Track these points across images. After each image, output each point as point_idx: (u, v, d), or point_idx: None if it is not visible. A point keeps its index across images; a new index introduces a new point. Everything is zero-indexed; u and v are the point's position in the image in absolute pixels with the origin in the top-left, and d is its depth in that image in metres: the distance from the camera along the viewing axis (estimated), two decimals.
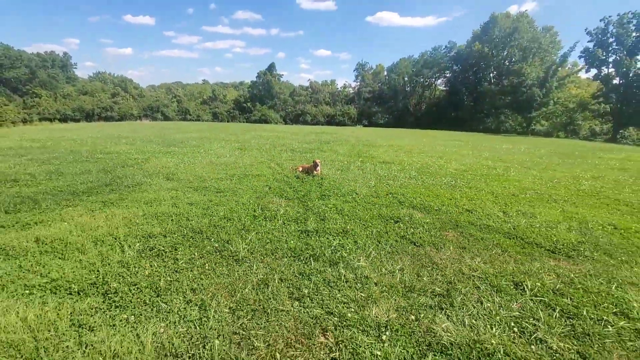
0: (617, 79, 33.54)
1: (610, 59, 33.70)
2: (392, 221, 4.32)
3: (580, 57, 35.18)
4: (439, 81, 52.63)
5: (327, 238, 3.67)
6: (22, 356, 1.84)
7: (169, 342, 1.99)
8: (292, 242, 3.53)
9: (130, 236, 3.53)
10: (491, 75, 46.01)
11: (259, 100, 50.12)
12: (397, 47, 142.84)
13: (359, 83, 56.62)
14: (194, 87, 69.76)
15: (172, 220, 4.06)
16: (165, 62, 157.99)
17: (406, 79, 51.99)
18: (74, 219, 3.96)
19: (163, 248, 3.28)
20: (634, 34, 32.51)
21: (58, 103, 44.70)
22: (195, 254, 3.18)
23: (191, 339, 2.03)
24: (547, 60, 39.57)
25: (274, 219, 4.25)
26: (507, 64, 41.53)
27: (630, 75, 32.77)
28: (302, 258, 3.18)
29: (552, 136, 39.86)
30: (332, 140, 15.90)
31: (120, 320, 2.16)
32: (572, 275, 3.01)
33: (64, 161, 7.95)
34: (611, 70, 33.88)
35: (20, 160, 7.92)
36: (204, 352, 1.92)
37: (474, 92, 45.84)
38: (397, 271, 2.97)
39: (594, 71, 35.10)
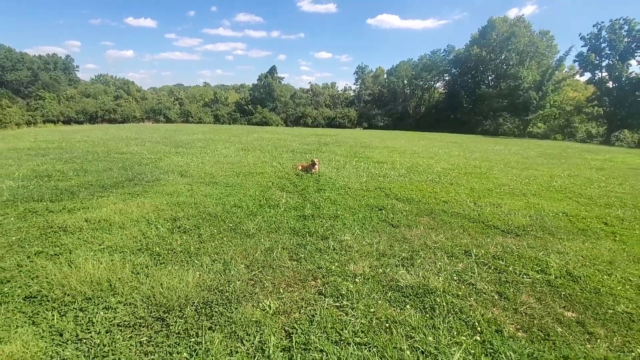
0: (611, 83, 34.43)
1: (604, 64, 34.62)
2: (376, 209, 5.14)
3: (575, 61, 36.14)
4: (438, 84, 53.59)
5: (321, 221, 4.49)
6: (101, 290, 2.65)
7: (203, 282, 2.81)
8: (292, 223, 4.36)
9: (160, 218, 4.36)
10: (489, 78, 46.95)
11: (260, 103, 51.07)
12: (397, 50, 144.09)
13: (358, 86, 57.64)
14: (195, 90, 70.81)
15: (191, 207, 4.88)
16: (166, 64, 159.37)
17: (405, 82, 52.93)
18: (110, 206, 4.79)
19: (188, 227, 4.10)
20: (625, 40, 33.44)
21: (62, 105, 45.67)
22: (215, 231, 4.00)
23: (219, 281, 2.85)
24: (544, 64, 40.46)
25: (276, 207, 5.07)
26: (505, 67, 42.42)
27: (623, 79, 33.67)
28: (299, 234, 4.00)
29: (550, 138, 40.65)
30: (331, 142, 16.74)
31: (168, 271, 2.98)
32: (513, 247, 3.83)
33: (85, 160, 8.79)
34: (605, 74, 34.79)
35: (45, 160, 8.76)
36: (228, 288, 2.74)
37: (472, 95, 46.72)
38: (374, 243, 3.79)
39: (588, 75, 36.05)
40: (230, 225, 4.21)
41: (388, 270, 3.15)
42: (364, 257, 3.42)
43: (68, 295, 2.56)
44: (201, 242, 3.65)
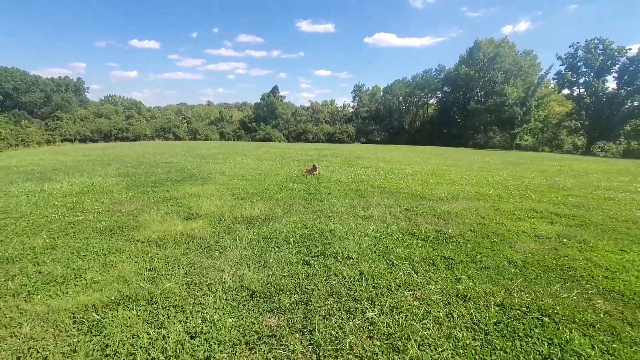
0: (588, 98, 38.04)
1: (581, 80, 38.37)
2: (355, 190, 8.28)
3: (553, 79, 39.92)
4: (432, 100, 57.53)
5: (319, 195, 7.62)
6: (221, 212, 5.75)
7: (263, 212, 5.93)
8: (302, 195, 7.50)
9: (224, 194, 7.50)
10: (479, 94, 50.82)
11: (263, 120, 54.94)
12: (395, 67, 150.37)
13: (356, 103, 61.73)
14: (200, 109, 75.16)
15: (239, 189, 8.03)
16: (170, 83, 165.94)
17: (400, 99, 56.93)
18: (192, 189, 7.94)
19: (243, 198, 7.23)
20: (600, 58, 37.30)
21: (77, 125, 49.52)
22: (258, 199, 7.14)
23: (270, 212, 5.96)
24: (528, 82, 44.33)
25: (291, 190, 8.21)
26: (491, 85, 46.28)
27: (600, 94, 37.31)
28: (307, 200, 7.13)
29: (538, 150, 44.00)
30: (330, 154, 20.01)
31: (245, 208, 6.10)
32: (427, 204, 6.94)
33: (146, 167, 12.00)
34: (582, 90, 38.47)
35: (117, 166, 11.97)
36: (274, 214, 5.85)
37: (463, 111, 50.49)
38: (348, 202, 6.91)
39: (567, 91, 39.74)
40: (265, 196, 7.35)
41: (353, 210, 6.27)
42: (342, 206, 6.54)
43: (205, 215, 5.68)
44: (255, 202, 6.78)
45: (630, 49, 36.31)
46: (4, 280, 3.29)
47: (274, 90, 59.34)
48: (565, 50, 39.08)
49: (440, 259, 4.01)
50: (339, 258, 3.98)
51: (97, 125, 49.28)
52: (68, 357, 2.25)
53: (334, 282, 3.37)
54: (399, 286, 3.32)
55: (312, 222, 5.47)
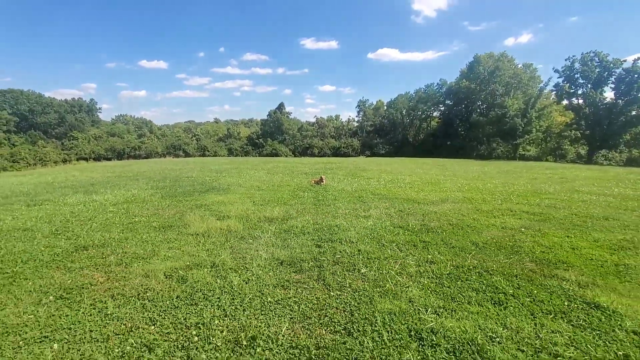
0: (587, 109, 39.22)
1: (579, 92, 39.66)
2: (357, 197, 9.62)
3: (552, 91, 41.27)
4: (435, 113, 59.13)
5: (326, 201, 8.98)
6: (246, 214, 7.14)
7: (281, 213, 7.29)
8: (311, 201, 8.87)
9: (245, 201, 8.91)
10: (481, 107, 52.25)
11: (270, 136, 56.93)
12: (398, 81, 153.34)
13: (361, 117, 63.60)
14: (208, 126, 77.82)
15: (257, 198, 9.43)
16: (177, 102, 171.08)
17: (404, 112, 58.66)
18: (216, 197, 9.36)
19: (262, 204, 8.62)
20: (597, 70, 38.67)
21: (91, 144, 51.94)
22: (276, 204, 8.52)
23: (286, 214, 7.32)
24: (528, 94, 45.72)
25: (302, 197, 9.58)
26: (492, 98, 47.76)
27: (598, 104, 38.49)
28: (316, 205, 8.48)
29: (542, 160, 44.95)
30: (335, 167, 21.44)
31: (265, 210, 7.48)
32: (418, 205, 8.24)
33: (170, 180, 13.52)
34: (581, 101, 39.71)
35: (146, 181, 13.50)
36: (290, 215, 7.22)
37: (466, 123, 51.86)
38: (352, 207, 8.26)
39: (567, 102, 41.02)
40: (281, 202, 8.73)
41: (355, 212, 7.60)
42: (346, 209, 7.88)
43: (234, 216, 7.07)
44: (272, 207, 8.16)
45: (625, 61, 37.67)
46: (105, 257, 4.68)
47: (280, 106, 61.63)
48: (565, 62, 40.58)
49: (420, 242, 5.32)
50: (342, 242, 5.31)
51: (110, 144, 51.64)
52: (168, 294, 3.60)
53: (339, 256, 4.70)
54: (386, 258, 4.63)
55: (322, 220, 6.82)
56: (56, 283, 3.84)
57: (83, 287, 3.72)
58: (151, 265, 4.35)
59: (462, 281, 3.82)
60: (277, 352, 2.58)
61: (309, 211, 7.65)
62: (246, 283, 3.81)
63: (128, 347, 2.65)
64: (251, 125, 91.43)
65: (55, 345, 2.68)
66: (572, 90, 39.62)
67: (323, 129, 62.14)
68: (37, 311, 3.22)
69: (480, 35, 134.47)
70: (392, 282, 3.77)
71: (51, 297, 3.49)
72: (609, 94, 39.06)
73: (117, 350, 2.61)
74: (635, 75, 36.79)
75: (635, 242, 5.30)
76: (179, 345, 2.67)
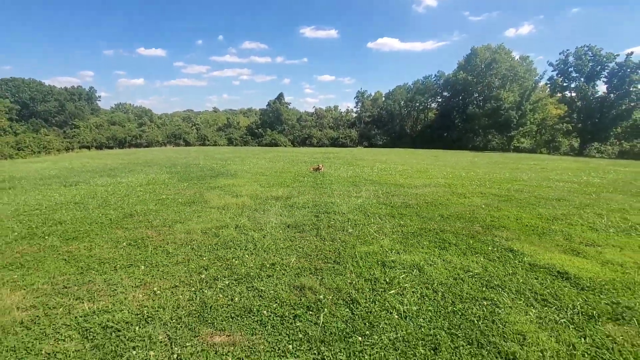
0: (580, 102, 40.47)
1: (572, 85, 40.84)
2: (351, 182, 11.00)
3: (546, 84, 42.39)
4: (432, 105, 60.17)
5: (324, 184, 10.36)
6: (270, 190, 8.51)
7: (285, 192, 8.67)
8: (310, 184, 10.24)
9: (253, 184, 10.27)
10: (478, 99, 53.33)
11: (270, 126, 57.98)
12: (398, 71, 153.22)
13: (359, 108, 64.61)
14: (207, 115, 78.56)
15: (263, 181, 10.79)
16: (175, 90, 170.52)
17: (402, 104, 59.69)
18: (227, 181, 10.71)
19: (268, 186, 9.98)
20: (590, 64, 39.77)
21: (93, 132, 52.94)
22: (280, 186, 9.89)
23: (289, 193, 8.70)
24: (524, 86, 46.82)
25: (302, 181, 10.95)
26: (488, 90, 48.85)
27: (590, 98, 39.72)
28: (314, 187, 9.86)
29: (536, 152, 46.35)
30: (333, 157, 22.78)
31: (268, 191, 8.85)
32: (402, 188, 9.63)
33: (181, 167, 14.84)
34: (574, 94, 40.92)
35: (161, 167, 14.82)
36: (293, 194, 8.60)
37: (463, 115, 52.98)
38: (346, 189, 9.64)
39: (560, 95, 42.23)
40: (284, 185, 10.10)
41: (348, 193, 8.99)
42: (340, 191, 9.26)
43: (246, 195, 8.44)
44: (277, 188, 9.52)
45: (618, 55, 38.75)
46: (150, 222, 6.06)
47: (280, 97, 62.51)
48: (559, 56, 41.59)
49: (397, 214, 6.72)
50: (335, 213, 6.70)
51: (112, 132, 52.65)
52: (208, 243, 4.98)
53: (332, 222, 6.09)
54: (368, 223, 6.03)
55: (319, 198, 8.21)
56: (121, 236, 5.23)
57: (143, 239, 5.11)
58: (189, 226, 5.74)
59: (421, 237, 5.23)
60: (289, 271, 3.98)
61: (309, 192, 9.03)
62: (263, 237, 5.21)
63: (191, 267, 4.05)
64: (250, 114, 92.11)
65: (142, 267, 4.07)
66: (565, 84, 40.80)
67: (322, 120, 63.19)
68: (117, 252, 4.61)
69: (481, 26, 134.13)
70: (370, 237, 5.18)
71: (124, 244, 4.88)
72: (601, 88, 40.31)
73: (183, 270, 4.01)
74: (628, 70, 37.96)
75: (569, 215, 6.72)
76: (225, 266, 4.07)
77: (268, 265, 4.11)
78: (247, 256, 4.41)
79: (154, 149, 40.45)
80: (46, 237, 5.16)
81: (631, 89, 37.90)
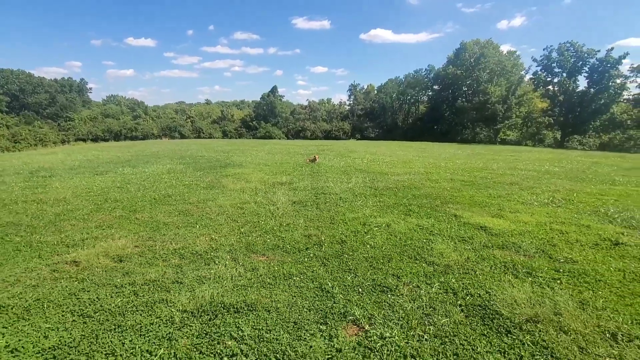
0: (561, 96, 42.84)
1: (555, 80, 43.16)
2: (343, 171, 12.89)
3: (530, 79, 44.65)
4: (424, 98, 62.23)
5: (320, 173, 12.23)
6: (263, 180, 10.34)
7: (287, 180, 10.52)
8: (308, 172, 12.11)
9: (259, 173, 12.09)
10: (467, 93, 55.50)
11: (264, 119, 59.47)
12: (392, 63, 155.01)
13: (352, 101, 66.38)
14: (201, 108, 79.50)
15: (267, 170, 12.61)
16: (166, 82, 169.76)
17: (394, 97, 61.62)
18: (236, 170, 12.50)
19: (272, 174, 11.81)
20: (572, 60, 42.06)
21: (88, 125, 53.81)
22: (282, 174, 11.73)
23: (291, 178, 10.56)
24: (511, 81, 49.07)
25: (301, 170, 12.79)
26: (477, 84, 50.99)
27: (571, 93, 42.11)
28: (311, 175, 11.73)
29: (521, 144, 48.79)
30: (327, 149, 24.63)
31: (277, 176, 10.70)
32: (384, 176, 11.56)
33: (190, 159, 16.54)
34: (556, 89, 43.26)
35: (168, 159, 16.50)
36: (295, 180, 10.46)
37: (452, 108, 55.19)
38: (339, 176, 11.53)
39: (543, 90, 44.55)
40: (285, 173, 11.93)
41: (340, 179, 10.88)
42: (333, 178, 11.15)
43: (255, 181, 10.28)
44: (280, 176, 11.36)
45: (599, 51, 41.11)
46: (186, 200, 7.87)
47: (274, 89, 63.90)
48: (543, 52, 43.81)
49: (379, 194, 8.63)
50: (330, 194, 8.58)
51: (107, 125, 53.60)
52: (238, 212, 6.82)
53: (328, 199, 7.98)
54: (356, 200, 7.93)
55: (316, 183, 10.08)
56: (169, 209, 7.05)
57: (187, 211, 6.93)
58: (218, 202, 7.58)
59: (394, 208, 7.16)
60: (300, 228, 5.85)
61: (307, 179, 10.90)
62: (277, 209, 7.08)
63: (231, 226, 5.92)
64: (243, 107, 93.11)
65: (197, 226, 5.91)
66: (548, 79, 43.09)
67: (315, 113, 64.83)
68: (173, 218, 6.43)
69: (474, 17, 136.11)
70: (356, 208, 7.10)
71: (175, 213, 6.71)
72: (583, 83, 42.71)
73: (226, 228, 5.85)
74: (608, 65, 40.35)
75: (511, 194, 8.72)
76: (254, 225, 5.95)
77: (284, 225, 5.99)
78: (268, 220, 6.29)
79: (150, 142, 41.76)
80: (113, 210, 6.96)
81: (610, 83, 40.29)
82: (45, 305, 3.33)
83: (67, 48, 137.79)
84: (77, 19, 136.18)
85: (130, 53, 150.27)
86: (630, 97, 40.48)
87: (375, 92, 64.13)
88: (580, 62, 42.10)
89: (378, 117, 61.40)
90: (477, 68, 50.45)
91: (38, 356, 2.61)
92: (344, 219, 6.37)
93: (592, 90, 41.28)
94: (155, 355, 2.61)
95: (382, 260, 4.46)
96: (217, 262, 4.41)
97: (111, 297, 3.50)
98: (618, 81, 39.81)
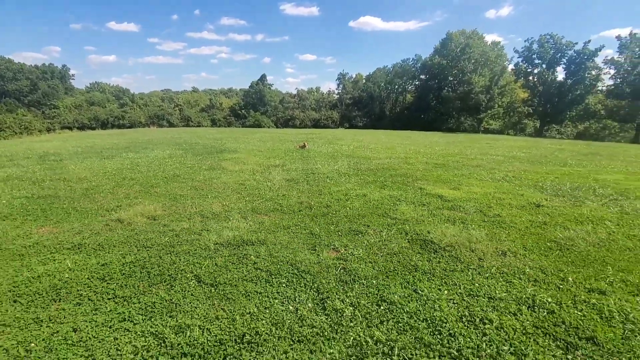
0: (540, 87, 44.96)
1: (535, 71, 45.17)
2: (331, 156, 14.29)
3: (512, 69, 46.57)
4: (411, 87, 63.73)
5: (309, 158, 13.61)
6: (260, 163, 11.66)
7: (280, 163, 11.88)
8: (298, 157, 13.48)
9: (253, 158, 13.39)
10: (453, 82, 57.18)
11: (253, 107, 60.08)
12: (381, 51, 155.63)
13: (340, 90, 67.45)
14: (189, 95, 79.22)
15: (261, 155, 13.91)
16: (150, 68, 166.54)
17: (382, 86, 62.93)
18: (231, 155, 13.77)
19: (266, 158, 13.13)
20: (551, 51, 44.06)
21: (73, 113, 53.52)
22: (275, 159, 13.06)
23: (282, 162, 11.92)
24: (495, 71, 50.90)
25: (292, 155, 14.14)
26: (461, 74, 52.68)
27: (550, 83, 44.23)
28: (302, 160, 13.09)
29: (504, 133, 50.99)
30: (316, 137, 25.95)
31: (271, 160, 12.04)
32: (368, 160, 13.02)
33: (186, 145, 17.66)
34: (536, 80, 45.33)
35: (165, 146, 17.57)
36: (286, 163, 11.83)
37: (438, 98, 56.83)
38: (327, 160, 12.93)
39: (524, 80, 46.57)
40: (278, 158, 13.27)
41: (328, 163, 12.29)
42: (322, 162, 12.55)
43: (252, 164, 11.59)
44: (273, 160, 12.69)
45: (577, 43, 43.16)
46: (193, 179, 9.15)
47: (262, 78, 64.33)
48: (524, 44, 45.69)
49: (361, 174, 10.09)
50: (318, 174, 9.99)
51: (93, 113, 53.41)
52: (240, 187, 8.18)
53: (317, 178, 9.39)
54: (340, 178, 9.36)
55: (306, 166, 11.47)
56: (181, 185, 8.35)
57: (196, 187, 8.25)
58: (222, 180, 8.91)
59: (372, 184, 8.64)
60: (294, 197, 7.26)
61: (298, 162, 12.28)
62: (274, 185, 8.46)
63: (238, 196, 7.28)
64: (231, 95, 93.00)
65: (209, 196, 7.26)
66: (529, 70, 45.06)
67: (304, 101, 65.71)
68: (187, 191, 7.75)
69: (463, 6, 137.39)
70: (340, 184, 8.54)
71: (187, 188, 8.02)
72: (560, 74, 44.86)
73: (234, 198, 7.21)
74: (584, 57, 42.49)
75: (472, 174, 10.30)
76: (256, 195, 7.33)
77: (281, 195, 7.40)
78: (267, 192, 7.68)
79: (140, 130, 42.21)
80: (132, 186, 8.22)
81: (586, 75, 42.49)
82: (113, 244, 4.68)
83: (44, 32, 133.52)
84: (54, 1, 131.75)
85: (112, 38, 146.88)
86: (604, 88, 42.83)
87: (364, 81, 65.31)
88: (559, 54, 44.16)
89: (366, 106, 62.73)
90: (462, 58, 52.03)
91: (123, 266, 3.98)
92: (330, 191, 7.81)
93: (569, 81, 43.46)
94: (202, 265, 4.01)
95: (357, 217, 5.92)
96: (231, 218, 5.80)
97: (160, 237, 4.87)
98: (593, 72, 42.06)
